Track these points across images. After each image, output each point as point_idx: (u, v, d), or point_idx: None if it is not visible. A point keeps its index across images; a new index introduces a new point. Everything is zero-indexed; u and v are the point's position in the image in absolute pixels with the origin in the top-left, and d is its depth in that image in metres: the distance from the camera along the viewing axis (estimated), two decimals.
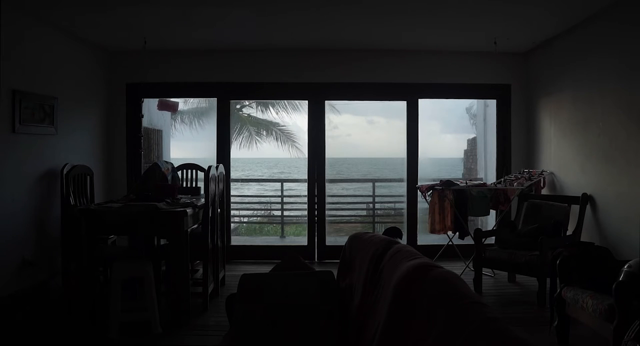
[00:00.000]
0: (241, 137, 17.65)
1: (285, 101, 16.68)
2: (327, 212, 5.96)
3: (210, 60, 5.69)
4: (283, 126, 18.18)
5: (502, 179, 5.31)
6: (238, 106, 17.42)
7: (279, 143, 18.15)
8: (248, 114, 18.34)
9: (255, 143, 17.88)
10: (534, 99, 5.56)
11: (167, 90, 6.14)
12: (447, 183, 5.27)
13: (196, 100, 16.39)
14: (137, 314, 3.53)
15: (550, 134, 5.22)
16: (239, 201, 9.79)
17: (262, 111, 18.36)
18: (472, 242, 4.62)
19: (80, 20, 4.53)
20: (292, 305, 2.14)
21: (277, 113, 18.31)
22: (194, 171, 5.24)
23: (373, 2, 4.08)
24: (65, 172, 4.39)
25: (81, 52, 5.18)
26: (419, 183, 5.57)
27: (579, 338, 3.20)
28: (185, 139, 17.92)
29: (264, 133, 18.20)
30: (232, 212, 7.21)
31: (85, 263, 3.71)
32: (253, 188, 19.22)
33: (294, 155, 17.36)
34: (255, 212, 11.45)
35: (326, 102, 5.88)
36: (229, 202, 5.54)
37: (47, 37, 4.58)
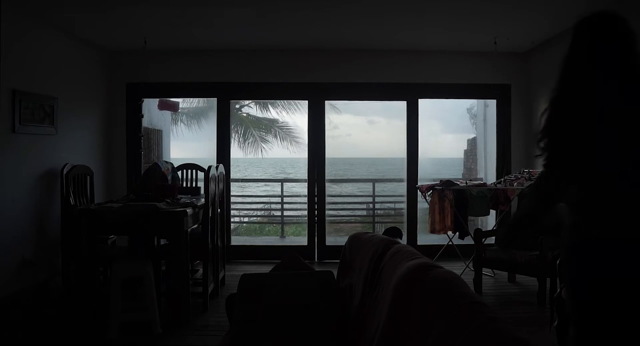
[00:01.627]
0: (247, 141, 17.69)
1: (285, 101, 16.70)
2: (327, 212, 5.96)
3: (210, 60, 5.69)
4: (283, 123, 18.18)
5: (502, 179, 5.31)
6: (237, 106, 17.43)
7: (279, 141, 18.16)
8: (247, 114, 18.35)
9: (261, 150, 17.91)
10: (534, 99, 5.56)
11: (167, 90, 6.14)
12: (447, 183, 5.27)
13: (196, 100, 16.40)
14: (137, 314, 3.53)
15: None
16: (239, 201, 9.79)
17: (262, 111, 18.38)
18: (472, 242, 4.62)
19: (80, 20, 4.53)
20: (292, 305, 2.14)
21: (277, 114, 18.34)
22: (194, 171, 5.24)
23: (373, 2, 4.08)
24: (65, 172, 4.39)
25: (81, 52, 5.18)
26: (419, 183, 5.57)
27: None
28: (185, 139, 17.92)
29: (264, 132, 18.19)
30: (232, 212, 7.20)
31: (85, 263, 3.71)
32: (258, 189, 19.15)
33: (294, 153, 17.32)
34: (256, 212, 11.44)
35: (326, 102, 5.89)
36: (229, 202, 5.54)
37: (47, 37, 4.58)
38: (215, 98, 5.93)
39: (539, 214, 1.86)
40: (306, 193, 5.94)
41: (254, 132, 17.86)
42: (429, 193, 5.31)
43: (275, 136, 18.12)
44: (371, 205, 9.64)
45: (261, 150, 17.94)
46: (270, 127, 18.23)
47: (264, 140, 18.15)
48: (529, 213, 1.90)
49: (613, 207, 1.63)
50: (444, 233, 5.37)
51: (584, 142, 1.66)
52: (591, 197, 1.68)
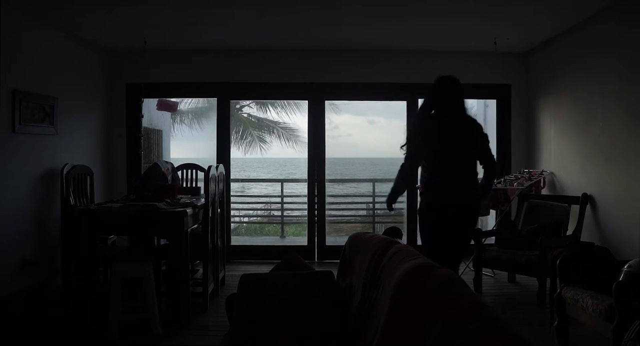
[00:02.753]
0: (247, 141, 17.71)
1: (285, 101, 16.71)
2: (327, 212, 5.96)
3: (210, 60, 5.69)
4: (285, 123, 18.16)
5: (502, 179, 5.31)
6: (237, 106, 17.43)
7: (283, 141, 18.14)
8: (248, 114, 18.34)
9: (260, 148, 17.92)
10: (534, 99, 5.56)
11: (167, 90, 6.14)
12: None
13: (197, 99, 16.41)
14: (137, 314, 3.53)
15: (550, 134, 5.22)
16: (239, 201, 9.78)
17: (262, 111, 18.38)
18: (472, 242, 4.62)
19: (80, 21, 4.53)
20: (292, 305, 2.14)
21: (277, 114, 18.34)
22: (194, 171, 5.24)
23: (373, 3, 4.08)
24: (65, 172, 4.40)
25: (81, 52, 5.18)
26: (419, 183, 5.56)
27: (579, 338, 3.20)
28: (185, 139, 17.92)
29: (266, 132, 18.18)
30: (232, 212, 7.21)
31: (85, 263, 3.71)
32: (262, 189, 19.15)
33: (299, 152, 17.34)
34: (256, 211, 11.45)
35: (326, 102, 5.89)
36: (229, 202, 5.54)
37: (48, 37, 4.58)
38: (215, 99, 5.93)
39: (405, 181, 3.42)
40: (306, 193, 5.94)
41: (253, 132, 17.85)
42: None
43: (278, 136, 18.11)
44: (371, 205, 9.64)
45: (260, 149, 17.91)
46: (272, 127, 18.22)
47: (265, 140, 18.16)
48: (401, 177, 3.35)
49: (434, 176, 3.23)
50: None
51: (423, 149, 3.21)
52: (425, 169, 3.30)
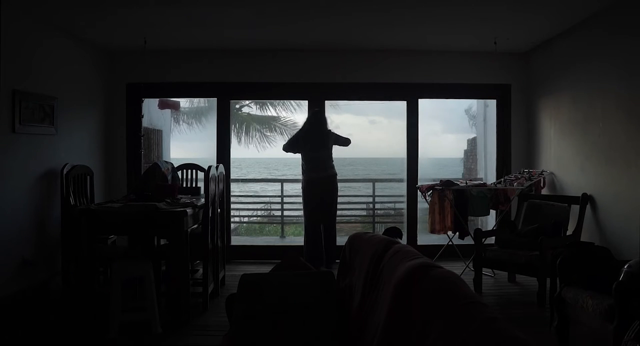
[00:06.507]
0: (252, 138, 17.71)
1: (284, 101, 16.74)
2: None
3: (210, 60, 5.69)
4: (285, 118, 18.13)
5: (502, 179, 5.31)
6: (237, 106, 17.43)
7: (286, 137, 18.13)
8: (247, 113, 18.34)
9: (269, 143, 17.94)
10: (534, 99, 5.56)
11: (167, 90, 6.13)
12: (447, 183, 5.27)
13: (197, 99, 16.41)
14: (137, 314, 3.53)
15: (550, 134, 5.22)
16: (239, 201, 9.76)
17: (261, 110, 18.37)
18: (472, 242, 4.62)
19: (80, 21, 4.53)
20: (292, 305, 2.14)
21: (277, 113, 18.33)
22: (194, 171, 5.24)
23: (373, 3, 4.08)
24: (65, 172, 4.40)
25: (81, 52, 5.18)
26: (419, 183, 5.57)
27: (579, 338, 3.20)
28: (185, 139, 17.89)
29: (267, 129, 18.17)
30: (232, 212, 7.20)
31: (85, 263, 3.71)
32: (267, 188, 19.12)
33: None
34: (256, 212, 11.43)
35: (326, 101, 5.89)
36: (229, 202, 5.54)
37: (48, 37, 4.58)
38: (215, 99, 5.93)
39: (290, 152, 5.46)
40: None
41: (257, 127, 17.83)
42: (429, 193, 5.31)
43: (281, 133, 18.06)
44: (371, 205, 9.62)
45: (269, 144, 17.90)
46: (274, 124, 18.18)
47: (268, 138, 18.14)
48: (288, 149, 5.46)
49: (309, 164, 5.29)
50: (444, 233, 5.37)
51: (299, 146, 5.36)
52: (304, 161, 5.34)
